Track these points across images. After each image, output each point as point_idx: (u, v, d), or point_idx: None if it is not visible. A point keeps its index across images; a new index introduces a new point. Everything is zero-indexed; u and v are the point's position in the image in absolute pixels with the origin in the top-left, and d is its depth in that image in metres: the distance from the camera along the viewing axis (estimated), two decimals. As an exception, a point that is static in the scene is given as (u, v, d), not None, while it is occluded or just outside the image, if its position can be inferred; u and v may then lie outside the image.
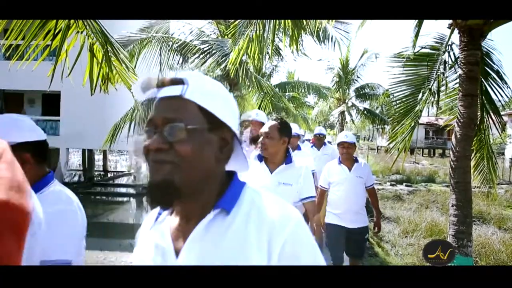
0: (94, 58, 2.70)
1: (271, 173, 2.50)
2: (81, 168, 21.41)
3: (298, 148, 5.09)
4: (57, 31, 2.51)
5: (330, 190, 3.92)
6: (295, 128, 5.22)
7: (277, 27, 3.48)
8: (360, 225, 3.85)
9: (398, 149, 4.72)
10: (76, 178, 20.69)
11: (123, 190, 19.47)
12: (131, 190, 18.12)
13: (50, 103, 14.37)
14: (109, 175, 21.93)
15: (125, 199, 17.56)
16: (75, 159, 25.57)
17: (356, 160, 3.89)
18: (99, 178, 20.75)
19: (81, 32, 2.55)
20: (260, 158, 2.55)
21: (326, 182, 3.93)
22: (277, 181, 2.46)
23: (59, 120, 16.28)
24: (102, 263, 7.27)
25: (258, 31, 3.42)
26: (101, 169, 22.51)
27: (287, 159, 2.50)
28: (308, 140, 8.05)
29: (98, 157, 22.88)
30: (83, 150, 19.93)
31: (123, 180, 21.73)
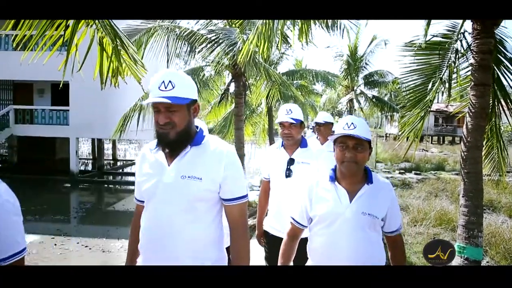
0: (104, 52, 2.71)
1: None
2: (91, 157, 21.63)
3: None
4: (67, 24, 2.52)
5: (311, 232, 1.95)
6: (324, 116, 4.49)
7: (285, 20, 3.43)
8: None
9: (408, 138, 4.68)
10: (85, 167, 20.93)
11: (133, 178, 19.61)
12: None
13: (59, 93, 14.52)
14: (118, 163, 22.14)
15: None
16: (85, 149, 25.85)
17: (369, 179, 1.86)
18: (108, 166, 20.97)
19: (91, 26, 2.55)
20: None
21: (303, 214, 1.96)
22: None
23: (68, 110, 16.40)
24: (119, 251, 7.48)
25: (267, 24, 3.38)
26: (111, 158, 22.73)
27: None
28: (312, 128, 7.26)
29: (107, 146, 23.08)
30: (93, 140, 20.09)
31: (132, 169, 21.93)
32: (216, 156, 1.59)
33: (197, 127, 1.66)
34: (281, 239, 2.30)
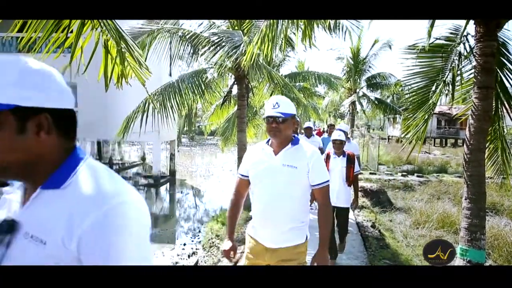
0: (109, 55, 2.73)
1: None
2: (95, 159, 21.64)
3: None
4: (72, 27, 2.54)
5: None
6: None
7: (290, 22, 3.44)
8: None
9: (411, 142, 4.69)
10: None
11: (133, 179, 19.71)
12: (143, 180, 18.35)
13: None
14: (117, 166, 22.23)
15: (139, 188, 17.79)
16: (87, 150, 25.94)
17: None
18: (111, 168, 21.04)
19: (96, 29, 2.57)
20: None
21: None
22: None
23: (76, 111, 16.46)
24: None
25: (271, 26, 3.40)
26: (114, 159, 22.83)
27: None
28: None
29: (106, 150, 23.18)
30: (92, 142, 20.15)
31: (134, 170, 22.01)
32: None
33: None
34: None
